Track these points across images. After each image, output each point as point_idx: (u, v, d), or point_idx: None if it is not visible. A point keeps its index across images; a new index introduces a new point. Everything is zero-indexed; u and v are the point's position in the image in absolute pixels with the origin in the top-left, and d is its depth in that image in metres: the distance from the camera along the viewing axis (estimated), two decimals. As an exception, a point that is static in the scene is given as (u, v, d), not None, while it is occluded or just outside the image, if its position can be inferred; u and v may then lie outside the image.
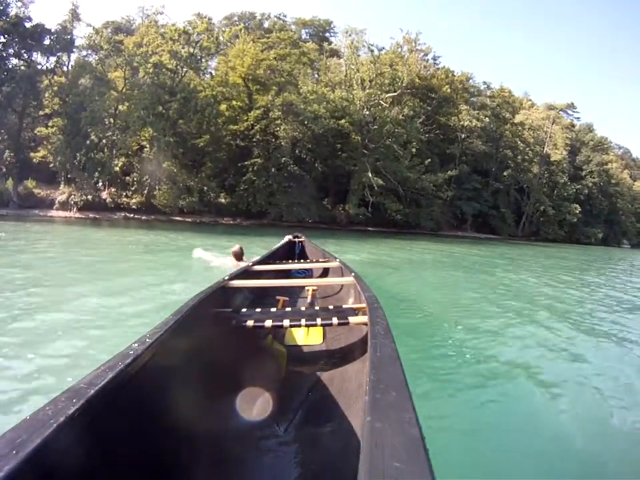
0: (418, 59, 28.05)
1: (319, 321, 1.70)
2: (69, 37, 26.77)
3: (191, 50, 22.96)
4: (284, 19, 31.47)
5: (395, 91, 25.21)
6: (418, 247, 14.66)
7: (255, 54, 22.90)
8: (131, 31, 27.60)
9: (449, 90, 29.27)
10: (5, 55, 26.80)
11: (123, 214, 21.02)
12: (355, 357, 1.58)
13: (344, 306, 1.98)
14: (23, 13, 26.91)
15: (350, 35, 26.60)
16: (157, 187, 20.79)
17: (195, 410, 1.22)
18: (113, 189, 21.46)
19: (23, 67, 27.32)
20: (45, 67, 27.90)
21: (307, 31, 32.37)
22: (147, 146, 21.31)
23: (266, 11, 31.13)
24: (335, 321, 1.68)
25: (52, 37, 27.04)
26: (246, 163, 20.67)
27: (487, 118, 30.34)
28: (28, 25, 26.59)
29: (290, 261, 4.07)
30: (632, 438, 1.94)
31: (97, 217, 21.07)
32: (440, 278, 6.97)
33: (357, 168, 22.72)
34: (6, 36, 26.54)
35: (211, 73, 25.14)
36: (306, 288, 2.78)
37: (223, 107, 21.76)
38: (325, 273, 3.79)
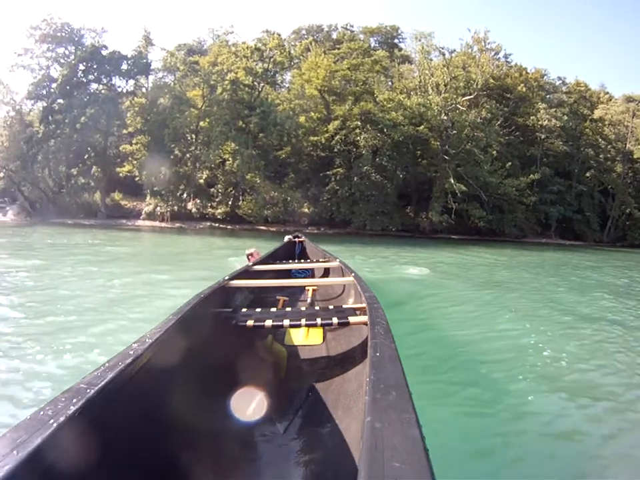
0: (489, 58, 26.92)
1: (318, 321, 1.68)
2: (144, 60, 28.41)
3: (265, 66, 23.45)
4: (351, 28, 31.64)
5: (470, 94, 24.24)
6: (503, 255, 13.71)
7: (328, 65, 22.98)
8: (203, 51, 28.80)
9: (524, 89, 27.75)
10: (85, 80, 28.90)
11: (209, 223, 21.66)
12: (355, 357, 1.56)
13: (344, 306, 1.97)
14: (98, 42, 28.88)
15: (420, 40, 26.07)
16: (241, 198, 21.26)
17: (194, 410, 1.21)
18: (198, 200, 22.23)
19: (104, 91, 29.33)
20: (124, 90, 29.79)
21: (375, 39, 32.20)
22: (230, 159, 21.87)
23: (332, 22, 31.61)
24: (335, 321, 1.67)
25: (128, 62, 28.84)
26: (328, 172, 20.62)
27: (565, 116, 28.41)
28: (104, 52, 28.52)
29: (290, 261, 4.02)
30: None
31: (183, 226, 21.85)
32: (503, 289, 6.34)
33: (438, 174, 21.98)
34: (85, 64, 28.64)
35: (287, 87, 25.55)
36: (306, 288, 2.79)
37: (302, 118, 21.93)
38: (325, 273, 3.77)
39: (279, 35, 24.62)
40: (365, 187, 20.50)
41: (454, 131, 22.72)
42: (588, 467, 1.63)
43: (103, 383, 0.83)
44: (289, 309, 1.99)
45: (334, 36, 30.71)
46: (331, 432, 1.19)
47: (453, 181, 21.36)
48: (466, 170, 22.26)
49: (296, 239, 5.00)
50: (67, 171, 28.57)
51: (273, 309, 1.90)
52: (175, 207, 22.36)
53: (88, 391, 0.79)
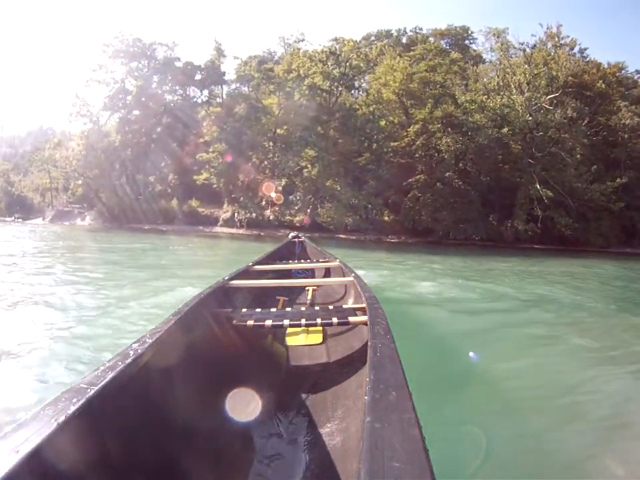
0: (566, 54, 25.64)
1: (318, 320, 1.69)
2: (217, 71, 29.37)
3: (342, 70, 23.49)
4: (420, 32, 31.16)
5: (553, 92, 23.22)
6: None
7: (404, 68, 22.77)
8: (275, 62, 29.39)
9: (603, 85, 26.19)
10: (160, 92, 30.24)
11: (287, 231, 22.16)
12: (355, 357, 1.56)
13: (344, 306, 1.97)
14: (170, 54, 30.06)
15: (497, 37, 25.29)
16: (319, 205, 21.67)
17: (194, 410, 1.21)
18: (276, 207, 22.86)
19: (179, 101, 30.65)
20: (199, 99, 30.99)
21: (445, 41, 31.46)
22: (308, 166, 22.30)
23: (400, 27, 31.23)
24: (335, 321, 1.67)
25: (202, 72, 29.94)
26: (409, 180, 20.53)
27: (647, 113, 26.51)
28: (177, 64, 29.69)
29: (290, 261, 3.99)
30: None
31: (261, 233, 22.41)
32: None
33: (522, 180, 21.27)
34: (159, 75, 29.93)
35: (365, 91, 25.63)
36: (306, 288, 2.82)
37: (382, 123, 21.92)
38: (325, 273, 3.77)
39: (354, 39, 24.59)
40: (448, 194, 20.20)
41: (540, 133, 21.89)
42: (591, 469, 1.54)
43: (103, 383, 0.84)
44: (288, 309, 2.01)
45: (404, 40, 30.37)
46: (330, 432, 1.20)
47: (538, 187, 20.63)
48: (551, 174, 21.41)
49: (296, 239, 4.97)
50: (144, 178, 30.10)
51: (273, 309, 1.91)
52: (253, 214, 23.02)
53: (88, 390, 0.80)
